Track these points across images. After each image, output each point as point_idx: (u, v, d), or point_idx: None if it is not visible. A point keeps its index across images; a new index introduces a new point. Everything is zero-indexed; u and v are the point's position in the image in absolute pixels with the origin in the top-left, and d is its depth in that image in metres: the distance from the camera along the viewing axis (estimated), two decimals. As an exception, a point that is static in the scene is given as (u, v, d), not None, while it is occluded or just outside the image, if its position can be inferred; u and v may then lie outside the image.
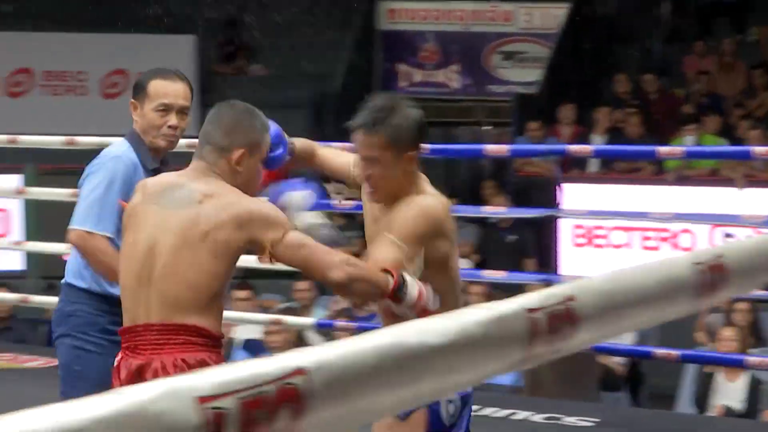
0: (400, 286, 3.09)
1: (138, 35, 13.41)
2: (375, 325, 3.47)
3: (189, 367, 3.03)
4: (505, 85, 13.39)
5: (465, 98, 13.69)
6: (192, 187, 3.13)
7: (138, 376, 3.06)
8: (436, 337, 1.94)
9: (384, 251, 3.16)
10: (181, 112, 3.87)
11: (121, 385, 3.07)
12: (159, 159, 3.88)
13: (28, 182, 9.34)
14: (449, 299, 3.25)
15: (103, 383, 3.35)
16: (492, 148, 6.28)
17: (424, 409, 3.24)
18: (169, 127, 3.86)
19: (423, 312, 3.07)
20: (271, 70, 13.93)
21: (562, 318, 2.25)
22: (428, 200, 3.29)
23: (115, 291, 3.67)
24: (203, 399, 1.56)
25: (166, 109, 3.83)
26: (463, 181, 12.87)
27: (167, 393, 1.53)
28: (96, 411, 1.45)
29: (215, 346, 3.11)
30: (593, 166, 10.87)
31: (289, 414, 1.70)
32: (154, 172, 3.71)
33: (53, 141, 6.75)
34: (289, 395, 1.69)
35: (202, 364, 3.01)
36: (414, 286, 3.11)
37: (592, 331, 2.39)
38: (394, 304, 3.12)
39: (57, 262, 6.44)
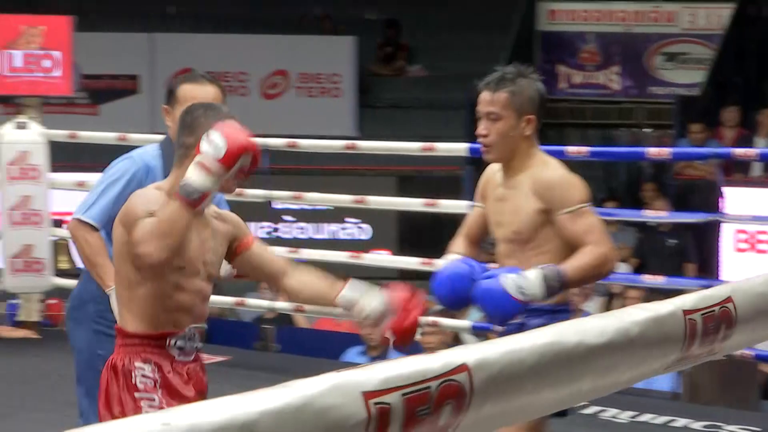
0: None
1: (299, 36, 13.56)
2: (535, 323, 3.48)
3: (111, 365, 3.17)
4: (666, 87, 13.18)
5: (625, 100, 13.52)
6: None
7: None
8: (594, 337, 1.94)
9: (586, 222, 3.40)
10: None
11: None
12: None
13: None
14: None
15: None
16: (654, 151, 6.19)
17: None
18: None
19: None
20: (429, 71, 13.94)
21: (719, 319, 2.22)
22: (563, 168, 3.50)
23: None
24: (369, 394, 1.58)
25: None
26: (621, 184, 12.70)
27: (335, 387, 1.55)
28: (266, 404, 1.47)
29: (134, 344, 3.14)
30: (756, 169, 10.63)
31: (450, 410, 1.71)
32: None
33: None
34: (452, 392, 1.70)
35: (115, 365, 3.15)
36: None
37: (748, 333, 2.35)
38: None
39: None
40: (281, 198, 6.88)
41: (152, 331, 3.14)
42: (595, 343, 1.94)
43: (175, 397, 3.13)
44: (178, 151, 3.22)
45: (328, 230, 11.18)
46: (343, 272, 8.06)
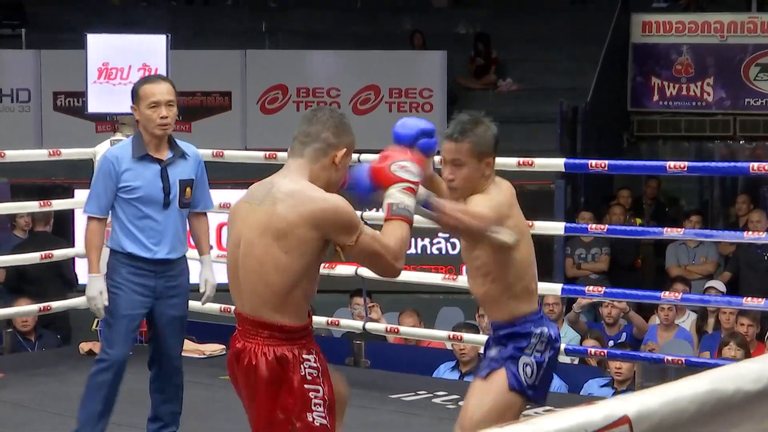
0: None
1: (389, 52, 13.58)
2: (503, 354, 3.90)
3: (276, 359, 3.40)
4: (763, 99, 13.00)
5: (720, 112, 13.36)
6: (278, 185, 3.44)
7: (236, 358, 3.51)
8: (751, 383, 1.96)
9: (476, 205, 3.80)
10: (168, 105, 4.84)
11: (229, 360, 3.56)
12: (160, 146, 4.92)
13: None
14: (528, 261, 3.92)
15: (127, 316, 4.89)
16: (756, 166, 5.92)
17: (502, 369, 3.82)
18: (161, 118, 4.84)
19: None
20: (520, 85, 13.90)
21: None
22: (497, 191, 3.91)
23: (132, 249, 4.89)
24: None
25: (156, 105, 4.82)
26: (715, 196, 12.55)
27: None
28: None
29: (297, 338, 3.43)
30: None
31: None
32: (143, 158, 4.89)
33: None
34: (613, 444, 1.72)
35: (282, 358, 3.39)
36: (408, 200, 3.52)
37: None
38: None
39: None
40: (370, 218, 6.91)
41: (305, 321, 3.46)
42: (752, 390, 1.97)
43: (328, 379, 3.46)
44: (315, 143, 3.48)
45: (419, 245, 11.17)
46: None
